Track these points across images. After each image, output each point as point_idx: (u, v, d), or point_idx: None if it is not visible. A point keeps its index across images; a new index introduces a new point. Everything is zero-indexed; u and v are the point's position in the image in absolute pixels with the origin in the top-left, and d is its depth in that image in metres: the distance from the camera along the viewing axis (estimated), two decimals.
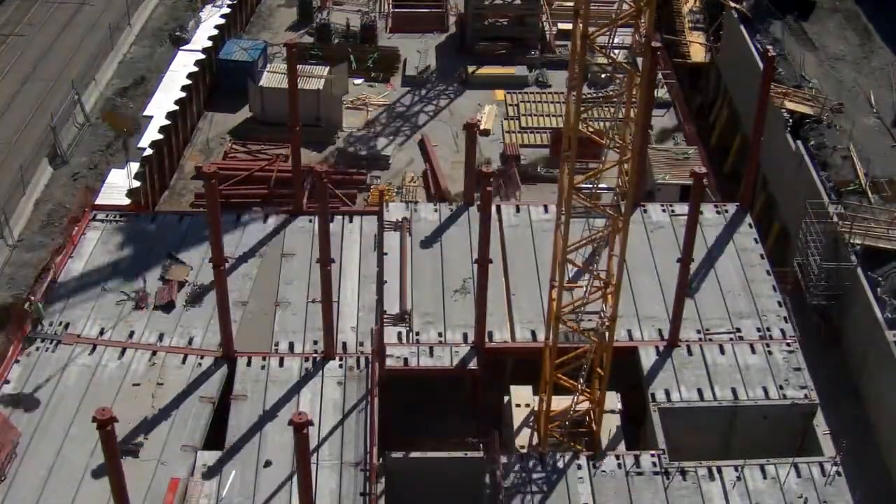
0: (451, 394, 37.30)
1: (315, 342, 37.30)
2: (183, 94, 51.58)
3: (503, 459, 33.17)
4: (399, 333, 37.36)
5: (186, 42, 56.28)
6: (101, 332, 37.38)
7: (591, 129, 29.14)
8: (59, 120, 47.50)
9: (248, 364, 36.55)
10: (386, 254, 40.54)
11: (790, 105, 47.63)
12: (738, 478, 33.09)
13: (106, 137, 48.40)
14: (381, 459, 33.12)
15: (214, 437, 34.28)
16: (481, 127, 50.37)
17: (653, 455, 33.61)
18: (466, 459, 33.42)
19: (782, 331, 37.89)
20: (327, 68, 53.49)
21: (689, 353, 37.10)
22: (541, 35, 59.21)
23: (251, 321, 38.36)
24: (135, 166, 45.70)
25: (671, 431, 34.50)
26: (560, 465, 33.46)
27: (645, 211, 43.26)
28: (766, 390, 35.72)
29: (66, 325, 37.53)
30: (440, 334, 37.52)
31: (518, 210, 43.39)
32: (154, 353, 36.66)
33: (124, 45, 55.83)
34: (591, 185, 30.69)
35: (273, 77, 52.67)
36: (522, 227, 42.36)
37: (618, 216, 30.08)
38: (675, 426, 34.79)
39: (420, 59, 57.91)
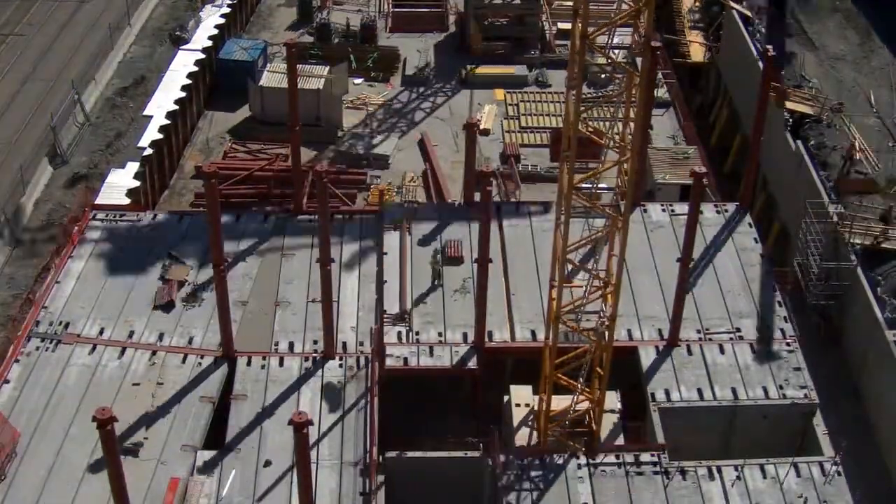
0: (451, 393, 37.29)
1: (315, 342, 37.31)
2: (183, 94, 51.64)
3: (503, 459, 33.18)
4: (399, 333, 37.39)
5: (186, 42, 56.29)
6: (101, 332, 37.40)
7: (590, 129, 29.15)
8: (59, 120, 47.49)
9: (248, 364, 36.54)
10: (386, 254, 40.56)
11: (790, 105, 47.66)
12: (738, 477, 33.07)
13: (106, 137, 48.40)
14: (380, 459, 33.12)
15: (214, 436, 34.28)
16: (481, 127, 50.38)
17: (653, 455, 33.64)
18: (466, 459, 33.42)
19: (782, 331, 37.89)
20: (327, 68, 53.53)
21: (689, 352, 37.11)
22: (541, 35, 59.23)
23: (251, 321, 38.37)
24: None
25: (671, 431, 34.51)
26: (560, 464, 33.46)
27: (645, 211, 43.26)
28: (765, 390, 35.72)
29: (66, 325, 37.53)
30: (440, 334, 37.53)
31: (518, 209, 43.44)
32: (154, 353, 36.66)
33: (124, 44, 55.83)
34: (590, 186, 30.68)
35: (273, 77, 52.71)
36: (522, 226, 42.39)
37: (617, 216, 30.08)
38: (675, 426, 34.80)
39: (420, 58, 57.92)
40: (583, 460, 33.47)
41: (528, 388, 35.68)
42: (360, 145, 51.72)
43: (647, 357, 36.89)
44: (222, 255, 34.37)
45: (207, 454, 33.37)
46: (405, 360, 36.49)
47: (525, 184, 48.28)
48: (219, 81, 55.59)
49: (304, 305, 38.63)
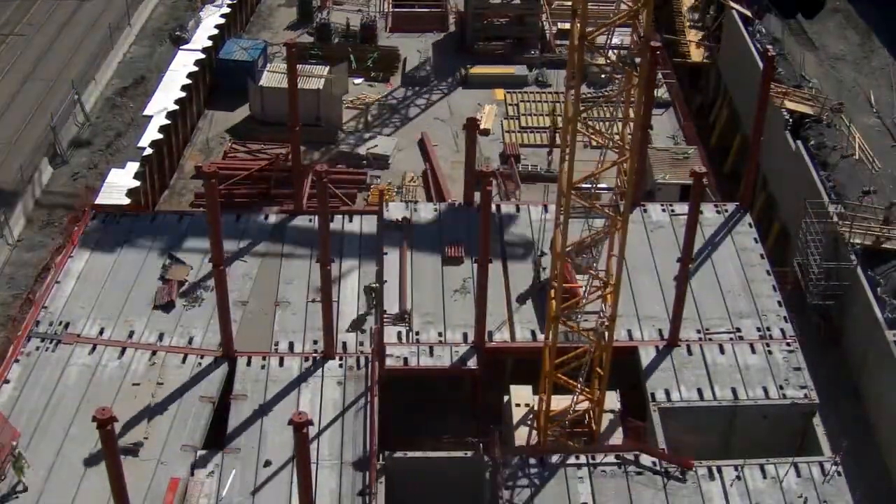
0: (451, 393, 37.29)
1: (315, 342, 37.31)
2: (183, 94, 51.62)
3: (502, 459, 33.17)
4: (399, 333, 37.39)
5: (186, 42, 56.27)
6: (101, 332, 37.40)
7: (590, 130, 29.16)
8: (59, 120, 47.47)
9: (248, 364, 36.54)
10: (386, 254, 40.56)
11: (790, 105, 47.64)
12: (738, 477, 33.07)
13: (106, 137, 48.41)
14: (381, 459, 33.12)
15: (214, 436, 34.28)
16: (481, 126, 50.37)
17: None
18: (466, 459, 33.42)
19: (782, 330, 37.89)
20: (327, 68, 53.52)
21: (689, 352, 37.11)
22: (540, 34, 59.23)
23: (251, 321, 38.37)
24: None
25: (671, 431, 34.50)
26: (559, 464, 33.46)
27: (645, 211, 43.26)
28: (765, 390, 35.72)
29: (66, 325, 37.53)
30: (440, 334, 37.53)
31: (518, 209, 43.45)
32: (154, 353, 36.66)
33: (124, 44, 55.78)
34: (590, 186, 30.67)
35: (273, 77, 52.71)
36: (522, 226, 42.41)
37: (617, 216, 30.08)
38: (675, 426, 34.79)
39: (419, 58, 57.90)
40: (582, 459, 33.49)
41: (527, 388, 35.69)
42: (361, 145, 51.72)
43: (647, 357, 36.88)
44: (222, 255, 34.38)
45: (207, 454, 33.38)
46: (405, 360, 36.50)
47: (525, 184, 48.29)
48: (219, 81, 55.57)
49: (304, 305, 38.64)
